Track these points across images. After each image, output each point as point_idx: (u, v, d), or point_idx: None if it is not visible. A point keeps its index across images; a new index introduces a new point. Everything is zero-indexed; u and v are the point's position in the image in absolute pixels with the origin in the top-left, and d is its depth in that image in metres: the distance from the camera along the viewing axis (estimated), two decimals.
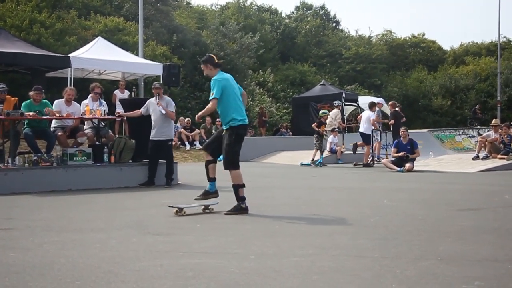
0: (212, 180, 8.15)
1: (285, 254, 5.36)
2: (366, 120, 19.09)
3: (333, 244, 5.81)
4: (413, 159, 16.58)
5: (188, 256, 5.30)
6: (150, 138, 11.93)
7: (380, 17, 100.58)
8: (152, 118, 11.92)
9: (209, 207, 8.10)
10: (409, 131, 17.68)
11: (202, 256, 5.27)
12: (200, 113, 8.35)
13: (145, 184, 11.90)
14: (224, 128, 8.09)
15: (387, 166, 16.75)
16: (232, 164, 7.95)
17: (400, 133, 17.07)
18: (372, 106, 19.66)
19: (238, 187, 7.97)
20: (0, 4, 27.50)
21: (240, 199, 7.97)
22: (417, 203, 9.48)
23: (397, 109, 20.60)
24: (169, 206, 7.92)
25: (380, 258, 5.19)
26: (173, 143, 21.84)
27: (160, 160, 12.20)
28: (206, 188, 8.18)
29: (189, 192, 10.95)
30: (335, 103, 22.46)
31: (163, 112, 11.77)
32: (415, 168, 16.25)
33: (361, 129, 19.31)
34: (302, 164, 18.99)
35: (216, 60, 8.33)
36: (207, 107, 8.12)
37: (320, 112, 20.03)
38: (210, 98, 7.98)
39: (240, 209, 7.92)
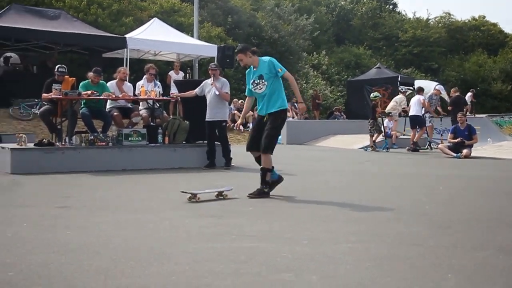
0: (271, 169, 8.08)
1: (338, 239, 5.30)
2: (417, 103, 18.89)
3: (387, 231, 5.72)
4: (471, 145, 16.23)
5: (241, 239, 5.29)
6: (206, 119, 11.96)
7: None
8: (207, 99, 11.93)
9: (223, 193, 7.87)
10: (467, 116, 17.33)
11: (254, 240, 5.26)
12: (299, 95, 8.33)
13: (208, 166, 11.94)
14: (266, 113, 7.93)
15: (443, 151, 16.45)
16: (272, 148, 7.90)
17: (458, 118, 16.72)
18: (420, 90, 19.62)
19: (267, 171, 7.91)
20: None
21: (266, 183, 7.91)
22: (474, 190, 9.29)
23: (469, 94, 20.24)
24: (182, 192, 7.65)
25: (435, 247, 5.08)
26: (227, 124, 21.98)
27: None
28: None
29: (242, 174, 11.00)
30: (401, 89, 22.16)
31: (217, 92, 11.77)
32: (472, 154, 15.91)
33: (411, 113, 19.06)
34: (366, 149, 18.75)
35: (254, 49, 8.24)
36: (293, 83, 8.19)
37: (372, 96, 19.69)
38: (282, 73, 7.90)
39: (263, 193, 7.87)
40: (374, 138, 18.71)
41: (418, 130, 18.70)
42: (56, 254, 4.59)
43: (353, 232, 5.61)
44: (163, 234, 5.48)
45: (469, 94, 29.25)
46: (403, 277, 4.10)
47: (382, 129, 19.41)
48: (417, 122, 18.76)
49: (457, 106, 19.24)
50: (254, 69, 8.02)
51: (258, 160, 8.12)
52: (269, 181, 7.92)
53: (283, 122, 8.09)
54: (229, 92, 12.19)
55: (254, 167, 12.16)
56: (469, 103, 28.40)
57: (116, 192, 8.48)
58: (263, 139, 7.86)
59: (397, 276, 4.13)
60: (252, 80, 7.99)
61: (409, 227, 5.96)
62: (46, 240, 5.11)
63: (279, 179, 8.13)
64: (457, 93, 20.34)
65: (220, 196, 7.82)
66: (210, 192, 7.84)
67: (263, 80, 7.89)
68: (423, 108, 19.02)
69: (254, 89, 8.00)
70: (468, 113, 27.04)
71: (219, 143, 12.15)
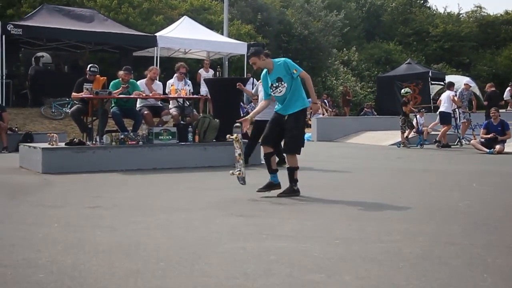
0: (275, 171, 7.88)
1: (370, 239, 5.24)
2: (447, 99, 18.53)
3: (420, 230, 5.63)
4: (504, 141, 15.97)
5: (271, 239, 5.25)
6: (255, 118, 11.99)
7: None
8: (259, 99, 11.99)
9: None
10: (499, 111, 17.03)
11: (285, 240, 5.21)
12: (314, 95, 8.02)
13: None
14: (287, 113, 7.74)
15: (476, 147, 16.22)
16: (298, 150, 7.76)
17: (491, 114, 16.46)
18: (450, 85, 19.25)
19: (294, 170, 7.77)
20: None
21: (295, 181, 7.79)
22: (508, 187, 9.14)
23: (509, 88, 19.90)
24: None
25: (470, 246, 4.99)
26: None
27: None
28: (270, 180, 7.89)
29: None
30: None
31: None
32: (505, 150, 15.66)
33: (441, 109, 18.71)
34: (399, 145, 18.38)
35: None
36: (309, 83, 7.84)
37: (403, 91, 19.40)
38: (298, 74, 7.65)
39: (293, 191, 7.76)
40: (406, 134, 18.48)
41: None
42: (87, 255, 4.59)
43: (386, 231, 5.53)
44: (193, 234, 5.46)
45: (508, 88, 28.65)
46: (438, 277, 4.03)
47: (414, 124, 19.16)
48: (444, 118, 18.43)
49: (493, 101, 18.92)
50: (269, 73, 7.83)
51: (267, 155, 7.90)
52: (297, 179, 7.79)
53: (305, 121, 7.99)
54: None
55: (283, 165, 12.14)
56: (510, 98, 27.86)
57: (146, 191, 8.50)
58: (288, 142, 7.75)
59: (432, 276, 4.06)
60: (271, 84, 7.79)
61: (443, 225, 5.87)
62: (76, 240, 5.12)
63: (278, 185, 7.86)
64: (493, 88, 19.97)
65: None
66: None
67: (283, 82, 7.68)
68: (453, 104, 18.68)
69: (274, 93, 7.80)
70: (509, 108, 26.61)
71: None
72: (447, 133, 18.47)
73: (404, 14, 48.17)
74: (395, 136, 19.70)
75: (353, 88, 32.47)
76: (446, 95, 18.77)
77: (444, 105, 18.48)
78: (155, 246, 4.91)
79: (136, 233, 5.47)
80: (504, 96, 27.26)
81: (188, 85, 13.22)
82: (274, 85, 7.75)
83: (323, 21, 36.18)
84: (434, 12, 52.05)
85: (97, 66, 12.71)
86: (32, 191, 8.40)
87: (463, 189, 8.77)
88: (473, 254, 4.70)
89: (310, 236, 5.39)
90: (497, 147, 15.51)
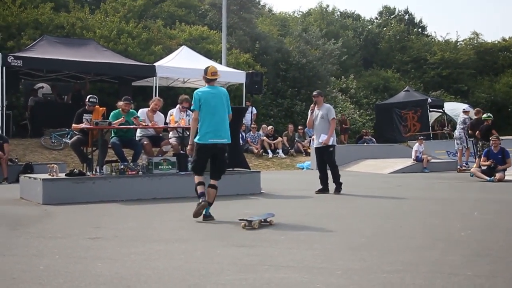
0: (196, 184, 8.63)
1: (372, 269, 5.21)
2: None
3: (422, 260, 5.61)
4: (505, 169, 15.93)
5: (273, 270, 5.22)
6: (314, 146, 12.73)
7: (468, 21, 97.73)
8: (314, 126, 12.53)
9: (268, 220, 7.93)
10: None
11: (287, 270, 5.18)
12: (191, 136, 8.85)
13: (320, 191, 12.30)
14: None
15: (476, 175, 16.18)
16: (192, 169, 8.91)
17: (491, 142, 16.42)
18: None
19: (196, 185, 8.53)
20: (90, 16, 28.41)
21: (198, 196, 8.40)
22: (510, 215, 9.11)
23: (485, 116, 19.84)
24: (240, 220, 7.75)
25: (473, 277, 4.96)
26: (257, 151, 22.01)
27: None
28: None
29: (272, 201, 10.90)
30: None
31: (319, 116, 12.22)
32: (506, 178, 15.62)
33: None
34: (472, 175, 17.82)
35: (209, 76, 8.95)
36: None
37: (485, 116, 18.81)
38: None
39: (197, 204, 8.33)
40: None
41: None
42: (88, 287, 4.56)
43: (388, 262, 5.51)
44: (195, 265, 5.43)
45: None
46: None
47: (412, 154, 19.08)
48: None
49: (475, 130, 18.65)
50: None
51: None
52: (202, 192, 8.43)
53: (196, 153, 8.68)
54: (335, 117, 12.57)
55: (285, 194, 12.13)
56: None
57: (146, 221, 8.46)
58: None
59: None
60: None
61: (445, 255, 5.84)
62: (77, 272, 5.09)
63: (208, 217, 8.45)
64: (477, 116, 19.64)
65: (266, 222, 7.86)
66: (259, 218, 7.85)
67: None
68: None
69: None
70: None
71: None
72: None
73: (402, 42, 48.37)
74: (395, 164, 19.70)
75: (351, 116, 32.47)
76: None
77: None
78: (156, 277, 4.89)
79: (136, 264, 5.44)
80: None
81: (188, 115, 13.24)
82: None
83: (321, 49, 36.29)
84: (432, 39, 52.30)
85: (96, 96, 12.72)
86: (33, 222, 8.36)
87: (465, 218, 8.74)
88: (476, 285, 4.68)
89: (311, 266, 5.36)
90: (498, 175, 15.47)
